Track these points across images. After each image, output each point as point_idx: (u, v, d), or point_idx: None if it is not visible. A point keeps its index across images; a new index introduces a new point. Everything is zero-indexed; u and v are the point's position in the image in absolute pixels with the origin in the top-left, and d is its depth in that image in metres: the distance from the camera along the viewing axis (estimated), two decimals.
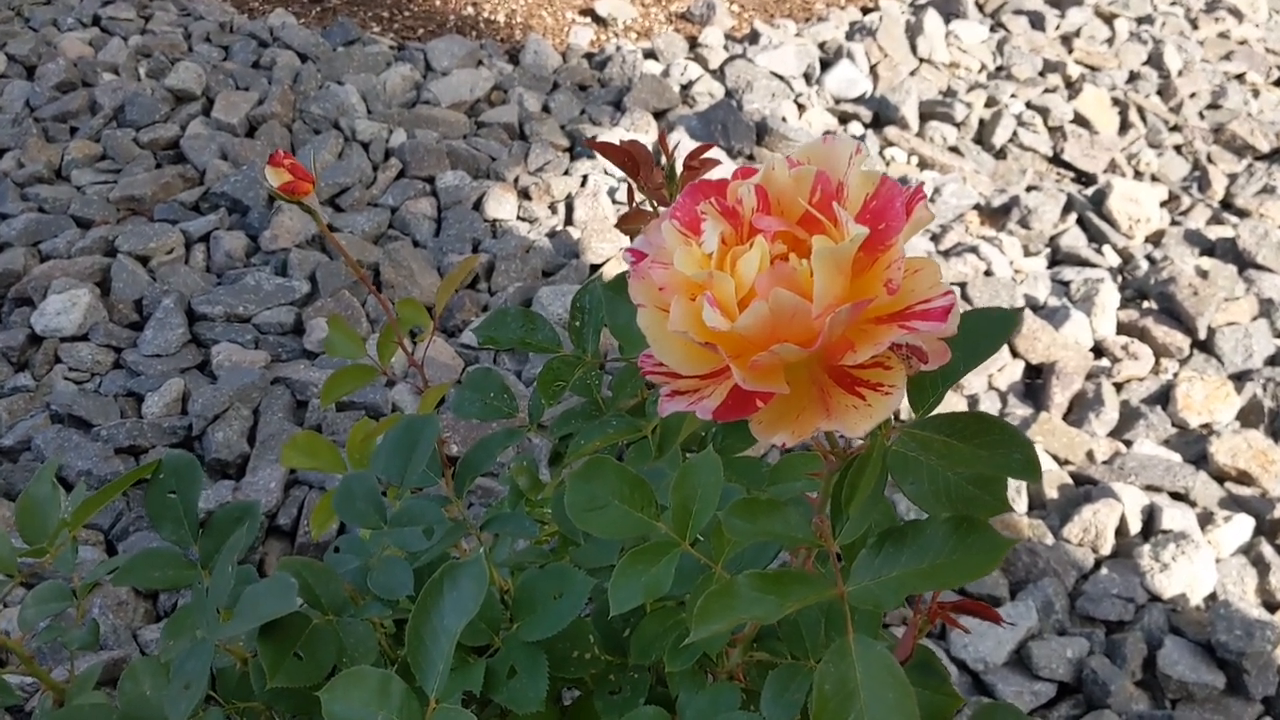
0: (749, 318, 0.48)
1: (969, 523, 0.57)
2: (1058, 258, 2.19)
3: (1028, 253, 2.19)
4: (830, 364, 0.51)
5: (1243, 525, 1.57)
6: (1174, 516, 1.56)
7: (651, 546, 0.72)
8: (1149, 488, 1.63)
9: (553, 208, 2.16)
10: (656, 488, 0.76)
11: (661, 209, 0.96)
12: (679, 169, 0.94)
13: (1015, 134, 2.52)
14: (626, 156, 0.91)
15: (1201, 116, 2.69)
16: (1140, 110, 2.68)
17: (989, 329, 0.62)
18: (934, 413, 0.60)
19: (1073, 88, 2.73)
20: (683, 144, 2.23)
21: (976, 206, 2.29)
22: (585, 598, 0.76)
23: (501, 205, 2.13)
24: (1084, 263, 2.15)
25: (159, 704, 0.77)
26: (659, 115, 2.46)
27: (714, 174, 1.14)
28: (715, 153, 2.29)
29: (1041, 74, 2.77)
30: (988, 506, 0.60)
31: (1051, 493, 1.62)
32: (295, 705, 0.75)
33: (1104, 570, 1.50)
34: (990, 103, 2.61)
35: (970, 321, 0.58)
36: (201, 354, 1.77)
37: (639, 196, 1.05)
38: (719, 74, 2.62)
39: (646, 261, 0.53)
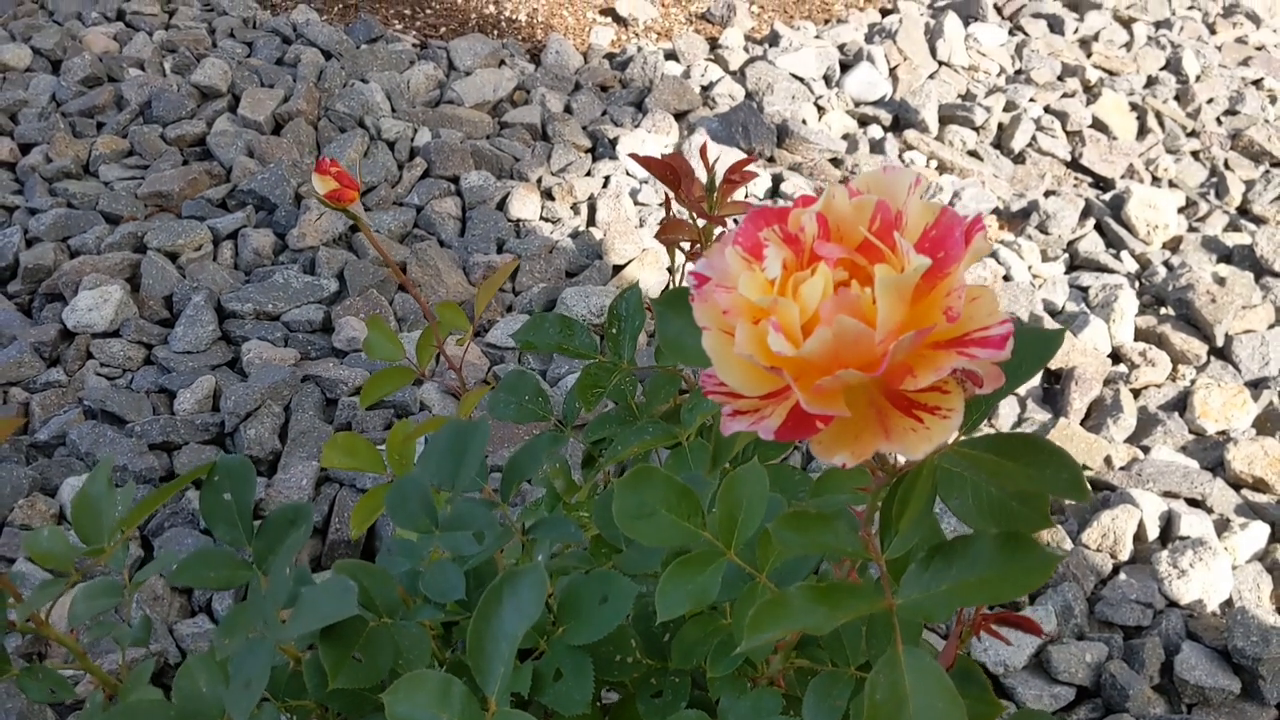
0: (814, 343, 0.50)
1: (1016, 538, 0.59)
2: (1076, 263, 2.20)
3: (1046, 258, 2.20)
4: (889, 389, 0.53)
5: (1259, 532, 1.59)
6: (1191, 523, 1.57)
7: (698, 555, 0.74)
8: (1166, 494, 1.64)
9: (575, 208, 2.18)
10: (700, 496, 0.78)
11: (700, 220, 0.98)
12: (719, 181, 0.96)
13: (1034, 138, 2.53)
14: (668, 169, 0.93)
15: (1219, 122, 2.71)
16: (1158, 115, 2.69)
17: (1034, 349, 0.63)
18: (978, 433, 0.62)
19: (1091, 92, 2.74)
20: (706, 146, 2.26)
21: (995, 211, 2.31)
22: (630, 603, 0.78)
23: (525, 205, 2.15)
24: (1102, 268, 2.16)
25: (215, 701, 0.79)
26: (680, 116, 2.48)
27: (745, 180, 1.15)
28: (736, 155, 2.31)
29: (1060, 78, 2.78)
30: (1031, 522, 0.62)
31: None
32: (347, 704, 0.77)
33: (1122, 575, 1.52)
34: (1009, 107, 2.62)
35: (1016, 340, 0.60)
36: (232, 351, 1.79)
37: (676, 207, 1.07)
38: (739, 75, 2.63)
39: (710, 285, 0.55)
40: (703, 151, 0.96)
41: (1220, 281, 2.09)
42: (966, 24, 2.90)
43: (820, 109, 2.54)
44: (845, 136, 2.48)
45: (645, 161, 0.93)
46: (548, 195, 2.20)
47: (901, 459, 0.63)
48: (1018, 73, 2.80)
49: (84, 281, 1.84)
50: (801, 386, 0.50)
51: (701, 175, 1.00)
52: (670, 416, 1.06)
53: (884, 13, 3.00)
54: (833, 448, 0.53)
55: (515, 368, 1.46)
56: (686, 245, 1.09)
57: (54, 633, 0.88)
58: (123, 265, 1.91)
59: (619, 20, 2.89)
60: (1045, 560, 0.58)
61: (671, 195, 1.02)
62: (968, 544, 0.60)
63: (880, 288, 0.50)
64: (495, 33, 2.81)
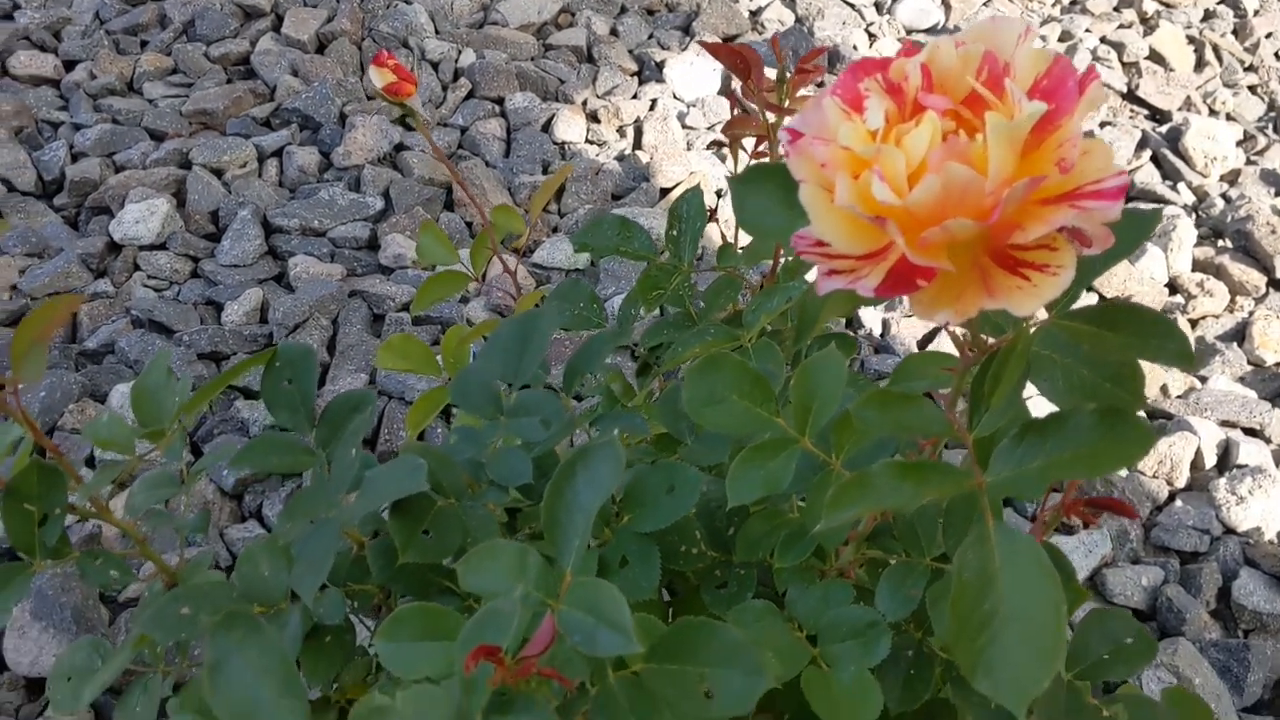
0: (921, 191, 0.48)
1: (1116, 412, 0.57)
2: (1132, 194, 2.16)
3: None
4: (995, 245, 0.51)
5: None
6: (1250, 451, 1.55)
7: (770, 442, 0.73)
8: (1224, 423, 1.61)
9: (621, 131, 2.15)
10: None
11: (769, 114, 0.95)
12: (789, 73, 0.93)
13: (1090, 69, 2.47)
14: (739, 58, 0.90)
15: (1277, 57, 2.63)
16: (1216, 49, 2.62)
17: (1129, 227, 0.61)
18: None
19: (1148, 24, 2.67)
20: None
21: None
22: (698, 492, 0.76)
23: (570, 128, 2.12)
24: (1159, 200, 2.12)
25: (278, 584, 0.78)
26: (728, 41, 2.44)
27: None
28: None
29: (1116, 9, 2.71)
30: (1125, 403, 0.60)
31: None
32: (412, 586, 0.77)
33: (1179, 502, 1.50)
34: (1064, 37, 2.56)
35: None
36: (278, 266, 1.78)
37: (744, 103, 1.04)
38: (789, 0, 2.58)
39: (806, 138, 0.53)
40: (774, 41, 0.93)
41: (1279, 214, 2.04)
42: None
43: (871, 35, 2.49)
44: None
45: (715, 49, 0.91)
46: (593, 118, 2.17)
47: (991, 339, 0.61)
48: (1073, 3, 2.74)
49: (130, 195, 1.84)
50: (905, 240, 0.48)
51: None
52: (730, 322, 1.05)
53: None
54: (934, 305, 0.51)
55: (570, 278, 1.44)
56: (750, 144, 1.06)
57: (113, 518, 0.88)
58: (168, 180, 1.90)
59: None
60: (1145, 434, 0.56)
61: (736, 93, 1.00)
62: (1063, 419, 0.58)
63: (992, 133, 0.48)
64: None
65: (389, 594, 0.83)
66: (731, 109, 1.02)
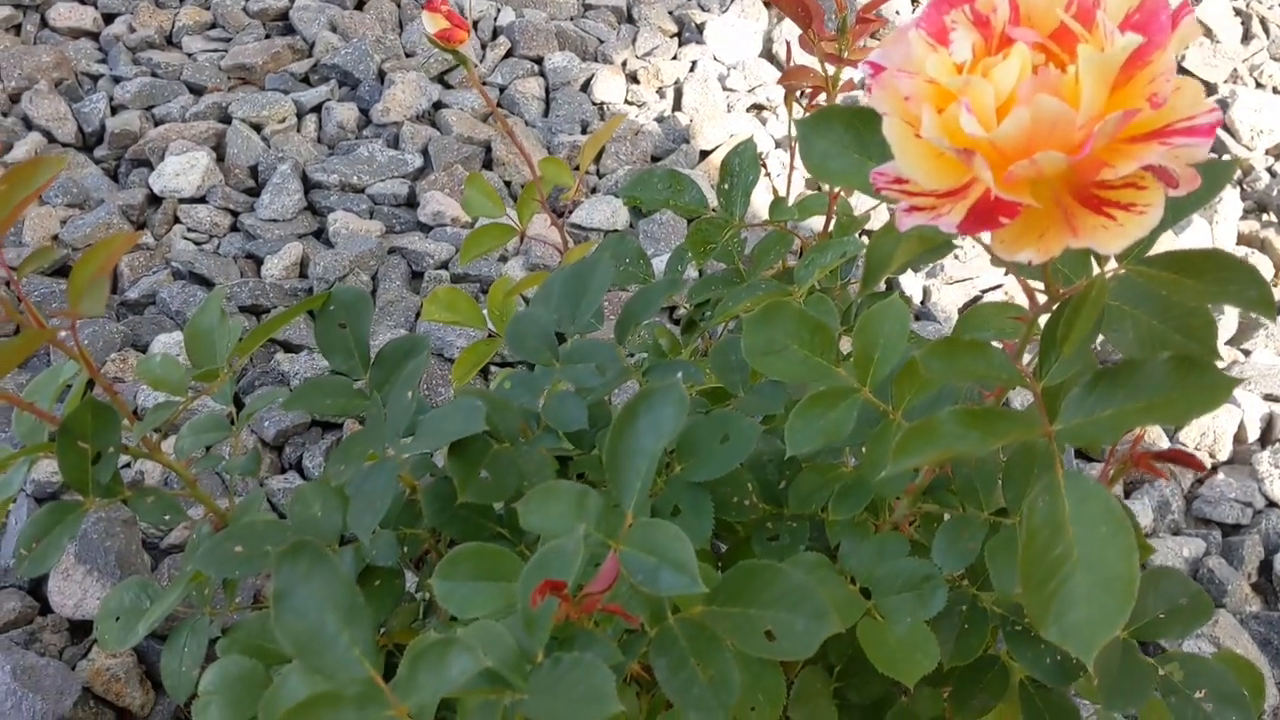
0: (1011, 124, 0.47)
1: (1191, 360, 0.56)
2: None
3: None
4: (1080, 183, 0.50)
5: None
6: None
7: (831, 391, 0.72)
8: (1268, 396, 1.60)
9: (661, 92, 2.14)
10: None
11: (829, 65, 0.94)
12: (850, 22, 0.92)
13: None
14: (800, 6, 0.89)
15: None
16: (1263, 21, 2.58)
17: (1208, 174, 0.60)
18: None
19: None
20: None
21: None
22: (752, 442, 0.76)
23: (610, 88, 2.11)
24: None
25: (330, 525, 0.78)
26: (770, 3, 2.41)
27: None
28: None
29: None
30: (1197, 354, 0.59)
31: None
32: (463, 531, 0.77)
33: (1221, 475, 1.48)
34: None
35: None
36: (317, 221, 1.78)
37: (796, 54, 1.03)
38: None
39: (890, 71, 0.52)
40: None
41: None
42: None
43: (915, 1, 2.46)
44: None
45: None
46: (633, 79, 2.16)
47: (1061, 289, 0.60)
48: None
49: (170, 148, 1.84)
50: (991, 175, 0.48)
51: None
52: (779, 280, 1.04)
53: None
54: (1017, 244, 0.50)
55: (618, 233, 1.43)
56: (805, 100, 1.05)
57: (165, 458, 0.88)
58: (208, 134, 1.90)
59: None
60: (1221, 383, 0.55)
61: (795, 41, 0.99)
62: (1135, 367, 0.57)
63: (1084, 65, 0.47)
64: None
65: (438, 539, 0.83)
66: (787, 59, 1.01)
